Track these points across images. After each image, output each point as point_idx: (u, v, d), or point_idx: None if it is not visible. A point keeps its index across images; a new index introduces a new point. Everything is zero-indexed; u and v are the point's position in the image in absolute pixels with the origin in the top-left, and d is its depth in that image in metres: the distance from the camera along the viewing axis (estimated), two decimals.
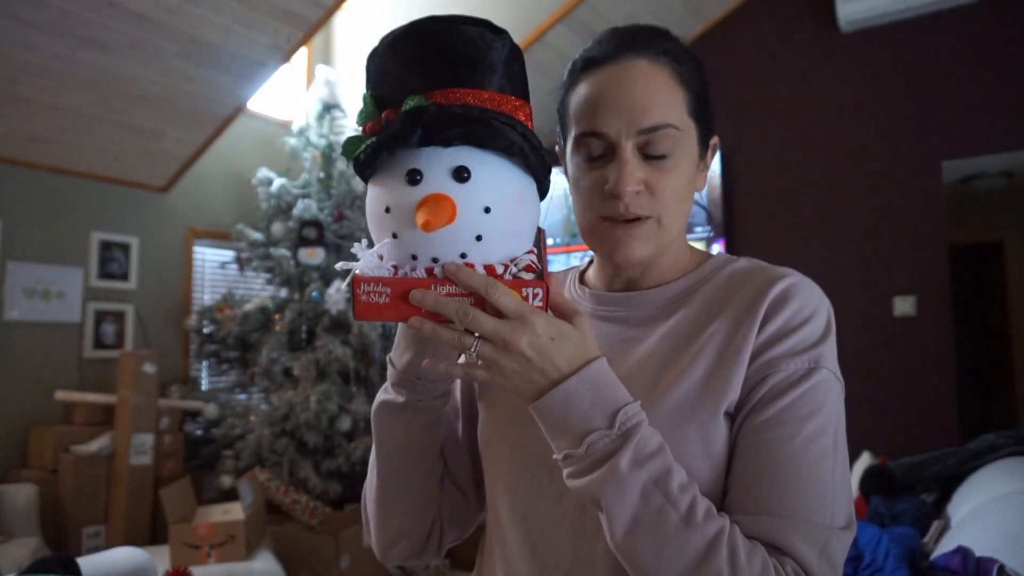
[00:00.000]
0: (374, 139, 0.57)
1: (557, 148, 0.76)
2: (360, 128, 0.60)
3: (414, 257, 0.56)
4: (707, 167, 0.71)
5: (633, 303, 0.70)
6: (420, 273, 0.56)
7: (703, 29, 4.13)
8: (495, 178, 0.56)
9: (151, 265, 3.61)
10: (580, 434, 0.54)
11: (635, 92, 0.63)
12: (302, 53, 4.18)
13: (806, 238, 3.78)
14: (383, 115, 0.57)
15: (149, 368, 3.09)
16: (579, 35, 3.73)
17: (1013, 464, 1.96)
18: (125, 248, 3.51)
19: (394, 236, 0.56)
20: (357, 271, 0.56)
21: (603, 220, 0.66)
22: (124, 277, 3.50)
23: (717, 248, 3.96)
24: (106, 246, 3.43)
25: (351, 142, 0.59)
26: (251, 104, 3.53)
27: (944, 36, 3.48)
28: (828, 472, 0.57)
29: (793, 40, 3.90)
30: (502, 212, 0.56)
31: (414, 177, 0.55)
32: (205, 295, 3.89)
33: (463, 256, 0.55)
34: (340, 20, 4.35)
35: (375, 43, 0.59)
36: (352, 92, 4.16)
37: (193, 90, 3.14)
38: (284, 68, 3.26)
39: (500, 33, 0.57)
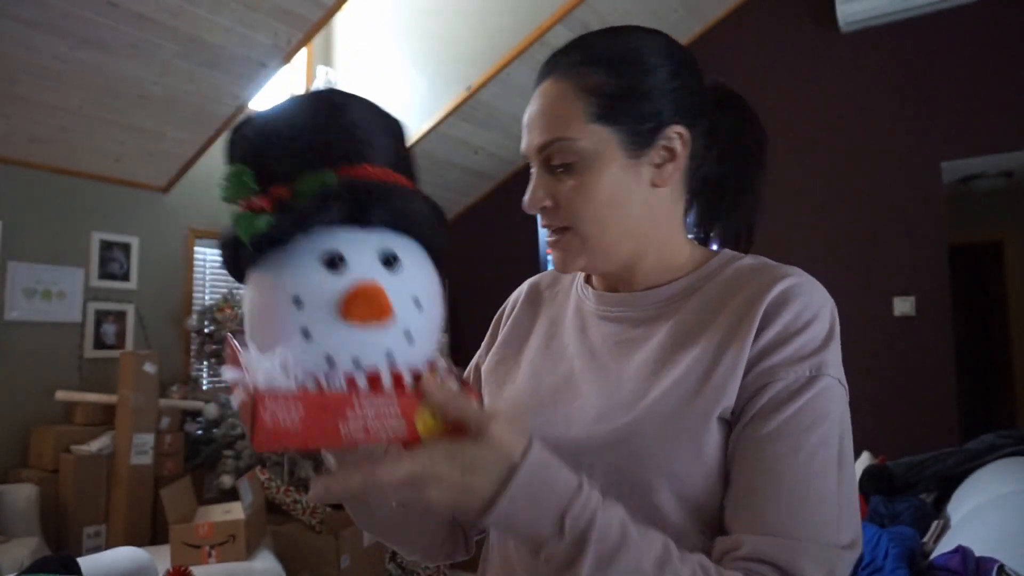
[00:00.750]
0: (276, 216, 0.47)
1: None
2: (234, 205, 0.51)
3: (329, 361, 0.45)
4: (674, 158, 0.65)
5: (634, 303, 0.70)
6: (338, 383, 0.45)
7: (703, 29, 4.13)
8: (419, 267, 0.51)
9: (152, 265, 3.61)
10: (535, 543, 0.49)
11: (536, 115, 0.66)
12: (302, 53, 4.18)
13: (806, 238, 3.78)
14: (271, 191, 0.49)
15: (149, 368, 3.09)
16: (579, 35, 3.72)
17: (1013, 464, 1.96)
18: (125, 248, 3.51)
19: (304, 335, 0.45)
20: (256, 385, 0.43)
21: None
22: (125, 277, 3.50)
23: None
24: (106, 246, 3.43)
25: (245, 219, 0.48)
26: (251, 104, 3.53)
27: (944, 36, 3.48)
28: (833, 487, 0.55)
29: (793, 40, 3.90)
30: (430, 306, 0.50)
31: (334, 261, 0.46)
32: (206, 295, 3.89)
33: (390, 356, 0.47)
34: (340, 20, 4.35)
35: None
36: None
37: (193, 90, 3.14)
38: (284, 68, 3.26)
39: (391, 116, 0.55)
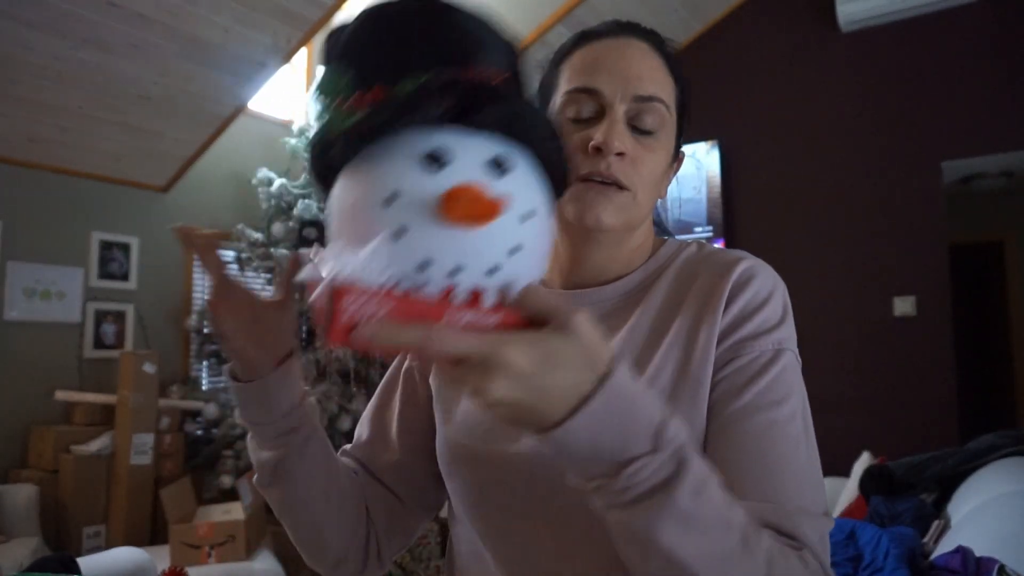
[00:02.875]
0: (373, 108, 0.43)
1: None
2: (328, 104, 0.47)
3: (422, 267, 0.39)
4: (670, 179, 0.71)
5: (590, 300, 0.67)
6: (435, 290, 0.39)
7: (703, 29, 4.13)
8: (533, 179, 0.45)
9: (151, 265, 3.61)
10: (616, 463, 0.43)
11: (634, 63, 0.64)
12: (302, 53, 4.18)
13: (806, 238, 3.78)
14: (372, 90, 0.44)
15: (149, 368, 3.09)
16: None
17: (1013, 464, 1.96)
18: (125, 248, 3.51)
19: (396, 235, 0.39)
20: (336, 278, 0.38)
21: (580, 180, 0.62)
22: (124, 277, 3.50)
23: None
24: (106, 246, 3.43)
25: (339, 114, 0.45)
26: (251, 104, 3.53)
27: (944, 36, 3.48)
28: (804, 459, 0.56)
29: (793, 40, 3.90)
30: (541, 222, 0.44)
31: (437, 158, 0.41)
32: (206, 295, 3.89)
33: (493, 271, 0.41)
34: (340, 20, 4.35)
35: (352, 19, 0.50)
36: None
37: (193, 90, 3.14)
38: (284, 68, 3.26)
39: (502, 28, 0.51)
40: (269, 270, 3.52)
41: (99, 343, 3.37)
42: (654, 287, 0.66)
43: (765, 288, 0.62)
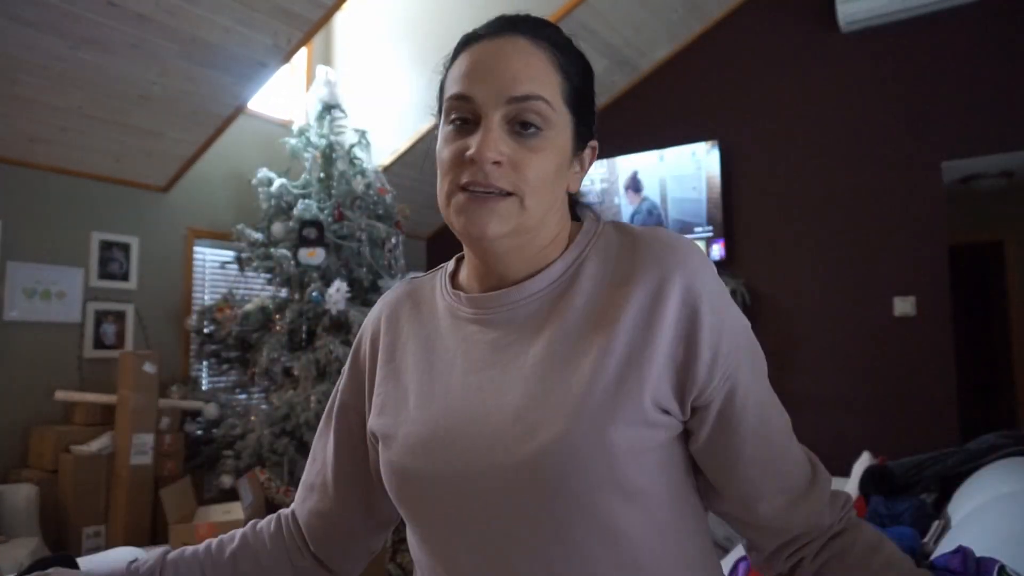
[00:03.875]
0: None
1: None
2: None
3: None
4: (584, 169, 0.69)
5: (512, 299, 0.66)
6: None
7: (703, 29, 4.13)
8: None
9: (151, 265, 3.61)
10: None
11: (510, 63, 0.61)
12: (302, 53, 4.18)
13: (806, 238, 3.78)
14: None
15: (149, 368, 3.09)
16: (579, 35, 3.72)
17: (1013, 464, 1.96)
18: (125, 248, 3.51)
19: None
20: None
21: (460, 189, 0.62)
22: (124, 277, 3.50)
23: (717, 248, 3.96)
24: (106, 246, 3.43)
25: None
26: (251, 104, 3.53)
27: (944, 36, 3.49)
28: (790, 434, 0.67)
29: (793, 40, 3.90)
30: None
31: None
32: (205, 295, 3.89)
33: None
34: (340, 20, 4.35)
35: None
36: (352, 92, 4.16)
37: (193, 90, 3.14)
38: (284, 68, 3.26)
39: None
40: (269, 270, 3.52)
41: (99, 343, 3.37)
42: (578, 282, 0.65)
43: (717, 303, 0.61)
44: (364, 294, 3.72)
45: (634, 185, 4.26)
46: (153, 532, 3.05)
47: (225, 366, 3.67)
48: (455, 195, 0.62)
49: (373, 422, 0.71)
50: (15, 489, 2.78)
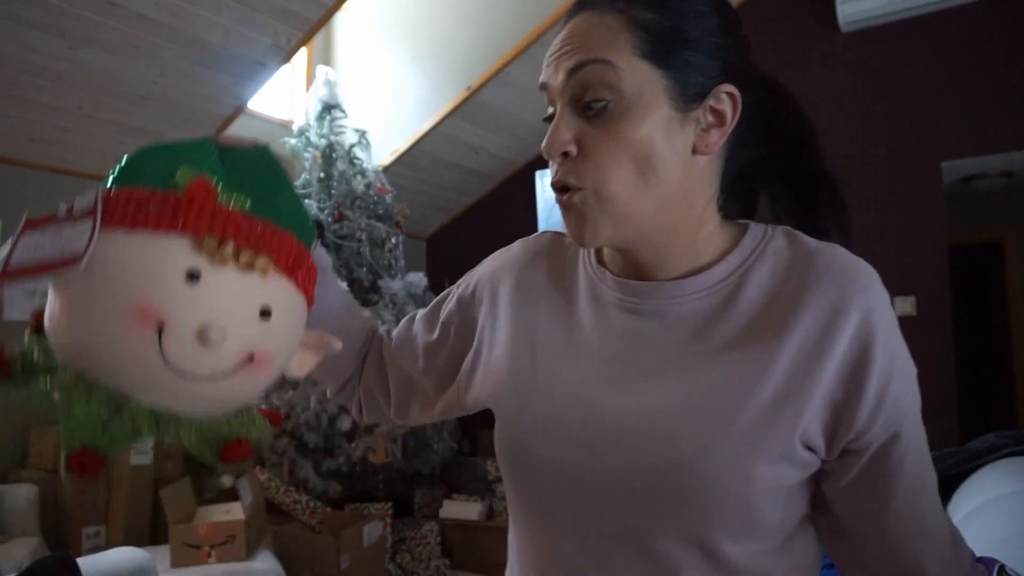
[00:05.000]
0: None
1: None
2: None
3: None
4: (726, 123, 0.56)
5: (667, 294, 0.59)
6: None
7: None
8: None
9: None
10: None
11: (569, 39, 0.56)
12: (302, 53, 4.18)
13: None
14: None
15: None
16: None
17: (1013, 464, 1.96)
18: None
19: None
20: None
21: (556, 196, 0.57)
22: None
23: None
24: None
25: None
26: (251, 104, 3.53)
27: (944, 36, 3.48)
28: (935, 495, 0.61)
29: (793, 40, 3.90)
30: None
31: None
32: None
33: None
34: (340, 20, 4.34)
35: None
36: (352, 92, 4.16)
37: (193, 90, 3.14)
38: (284, 68, 3.26)
39: None
40: None
41: None
42: (744, 289, 0.58)
43: (890, 346, 0.55)
44: (364, 294, 3.72)
45: None
46: (153, 532, 3.04)
47: None
48: (556, 198, 0.58)
49: (488, 384, 0.67)
50: (15, 489, 2.78)
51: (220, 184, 0.50)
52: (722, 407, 0.54)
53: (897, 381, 0.54)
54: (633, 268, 0.61)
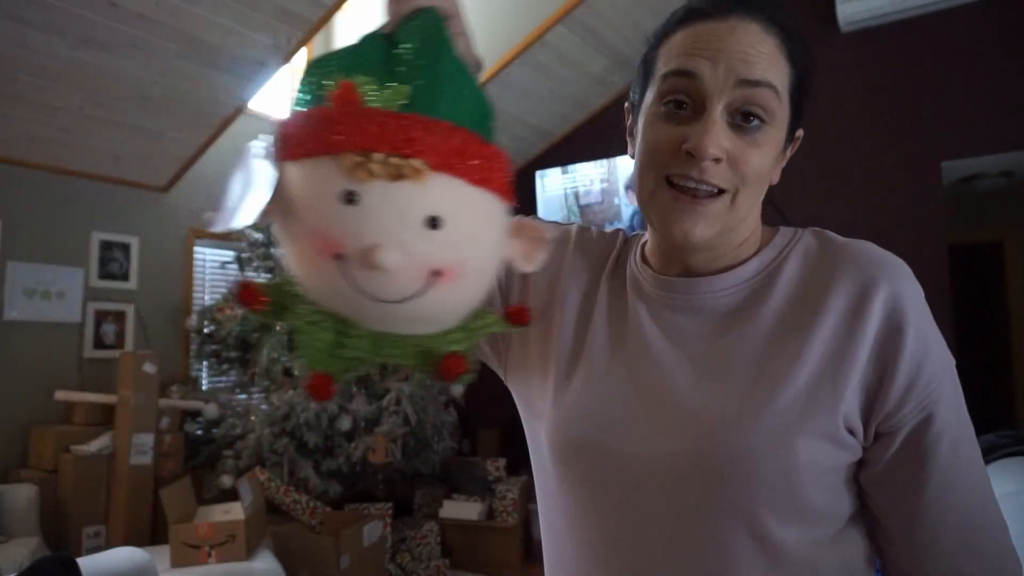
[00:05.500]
0: None
1: (627, 105, 0.68)
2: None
3: None
4: (785, 160, 0.64)
5: (704, 289, 0.62)
6: None
7: None
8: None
9: (151, 265, 3.61)
10: None
11: (741, 45, 0.56)
12: (302, 53, 4.18)
13: None
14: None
15: (149, 368, 3.09)
16: (579, 35, 3.72)
17: (1013, 464, 1.96)
18: (125, 248, 3.51)
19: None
20: None
21: (668, 186, 0.58)
22: (124, 277, 3.50)
23: None
24: (106, 246, 3.43)
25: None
26: (251, 104, 3.53)
27: (944, 36, 3.48)
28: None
29: None
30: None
31: None
32: (206, 295, 3.89)
33: None
34: (340, 20, 4.34)
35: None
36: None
37: (193, 90, 3.14)
38: (284, 68, 3.26)
39: None
40: (269, 270, 3.52)
41: (99, 343, 3.37)
42: (776, 282, 0.61)
43: (921, 326, 0.56)
44: None
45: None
46: (153, 532, 3.05)
47: (225, 366, 3.67)
48: (660, 191, 0.58)
49: (543, 372, 0.67)
50: (15, 489, 2.78)
51: (372, 83, 0.46)
52: (760, 391, 0.56)
53: (930, 366, 0.56)
54: (678, 265, 0.64)
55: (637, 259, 0.68)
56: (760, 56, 0.56)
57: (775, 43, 0.58)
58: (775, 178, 0.63)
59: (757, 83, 0.56)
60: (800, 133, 0.64)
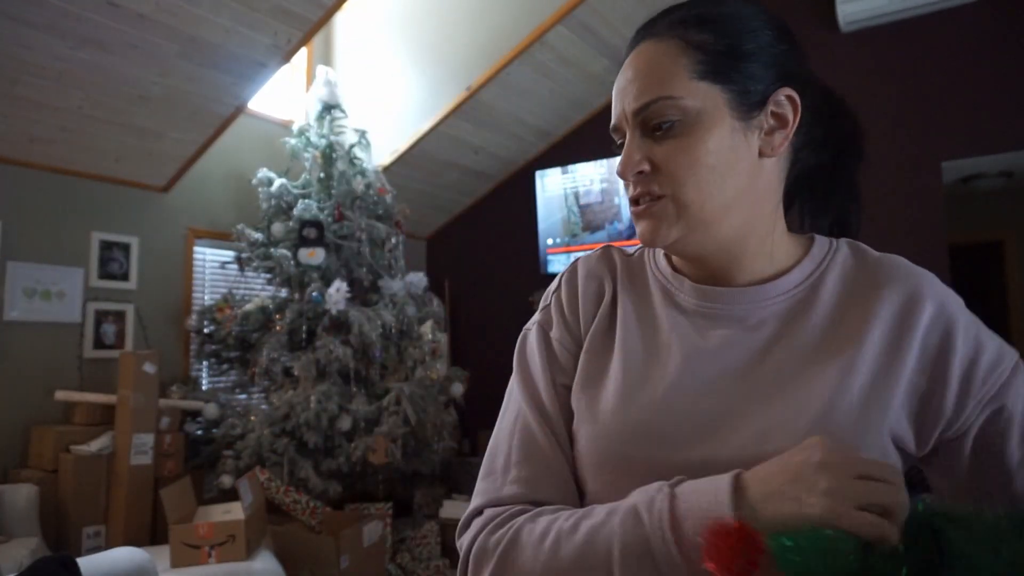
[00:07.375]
0: None
1: None
2: None
3: None
4: (783, 125, 0.61)
5: (747, 299, 0.62)
6: None
7: None
8: None
9: (151, 265, 3.61)
10: None
11: (634, 78, 0.61)
12: (302, 53, 4.18)
13: None
14: None
15: (149, 368, 3.09)
16: (579, 35, 3.72)
17: None
18: (125, 248, 3.51)
19: None
20: None
21: (632, 203, 0.63)
22: (124, 277, 3.50)
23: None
24: (106, 246, 3.43)
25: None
26: (251, 104, 3.53)
27: (944, 36, 3.48)
28: None
29: None
30: None
31: None
32: (205, 295, 3.89)
33: None
34: (340, 20, 4.34)
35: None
36: (352, 92, 4.16)
37: (193, 90, 3.14)
38: (284, 68, 3.26)
39: None
40: (269, 270, 3.52)
41: (99, 343, 3.37)
42: (819, 292, 0.62)
43: (969, 321, 0.58)
44: (364, 294, 3.72)
45: None
46: (153, 532, 3.05)
47: (225, 366, 3.67)
48: (631, 209, 0.64)
49: (579, 391, 0.66)
50: (15, 489, 2.78)
51: None
52: (811, 404, 0.56)
53: (985, 363, 0.57)
54: (709, 274, 0.65)
55: (663, 269, 0.69)
56: (649, 76, 0.60)
57: (668, 48, 0.60)
58: (769, 149, 0.61)
59: (645, 106, 0.59)
60: (788, 93, 0.61)
